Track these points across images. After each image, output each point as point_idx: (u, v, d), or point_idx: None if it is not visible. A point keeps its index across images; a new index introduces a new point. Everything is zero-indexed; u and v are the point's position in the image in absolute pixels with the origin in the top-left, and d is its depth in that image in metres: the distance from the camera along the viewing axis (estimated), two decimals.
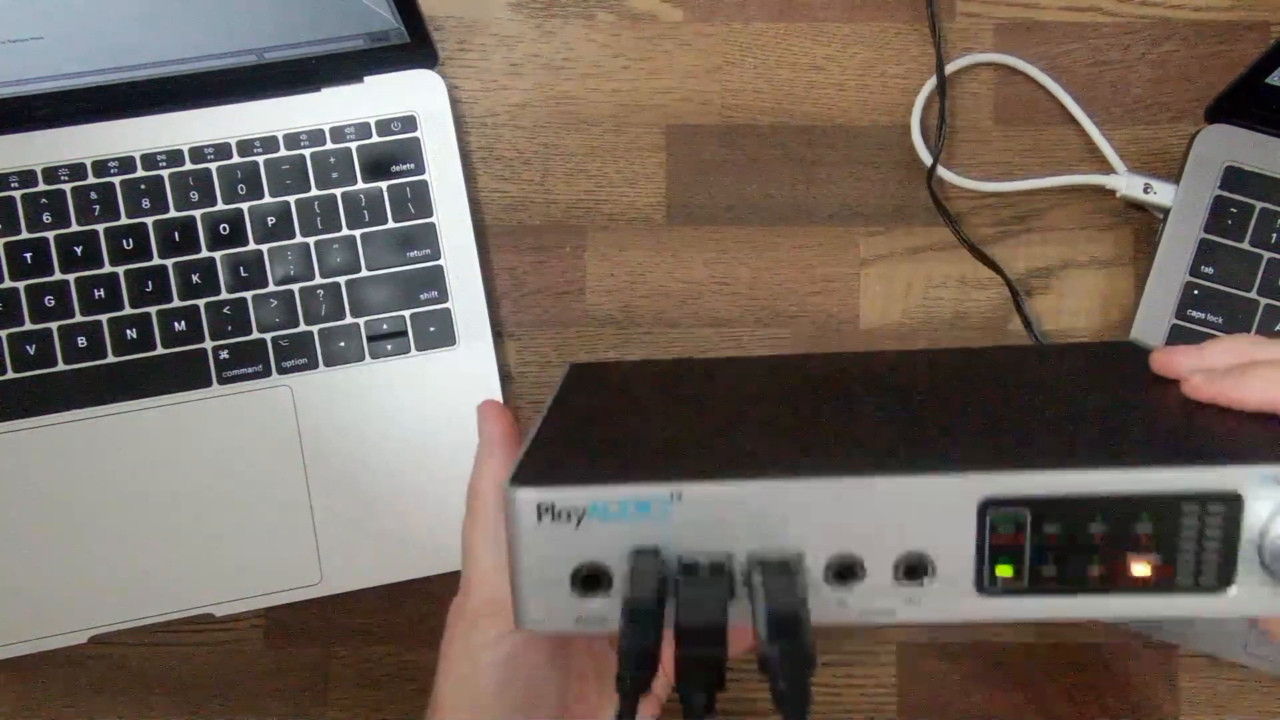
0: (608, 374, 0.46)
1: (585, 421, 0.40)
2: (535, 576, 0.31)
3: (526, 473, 0.32)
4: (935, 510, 0.30)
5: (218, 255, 0.54)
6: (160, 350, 0.54)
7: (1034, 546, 0.30)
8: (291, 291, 0.54)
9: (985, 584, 0.31)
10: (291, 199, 0.55)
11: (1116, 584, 0.30)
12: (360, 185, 0.55)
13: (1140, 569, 0.30)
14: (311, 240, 0.55)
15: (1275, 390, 0.32)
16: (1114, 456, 0.31)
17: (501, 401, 0.38)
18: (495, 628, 0.37)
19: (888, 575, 0.31)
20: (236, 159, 0.55)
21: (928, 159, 0.57)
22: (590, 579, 0.31)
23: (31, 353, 0.53)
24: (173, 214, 0.54)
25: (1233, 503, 0.30)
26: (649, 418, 0.40)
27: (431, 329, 0.55)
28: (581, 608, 0.31)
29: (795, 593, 0.29)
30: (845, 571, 0.31)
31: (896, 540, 0.31)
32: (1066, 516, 0.30)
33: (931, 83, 0.57)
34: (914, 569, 0.31)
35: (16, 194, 0.54)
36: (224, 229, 0.54)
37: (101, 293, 0.54)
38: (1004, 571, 0.31)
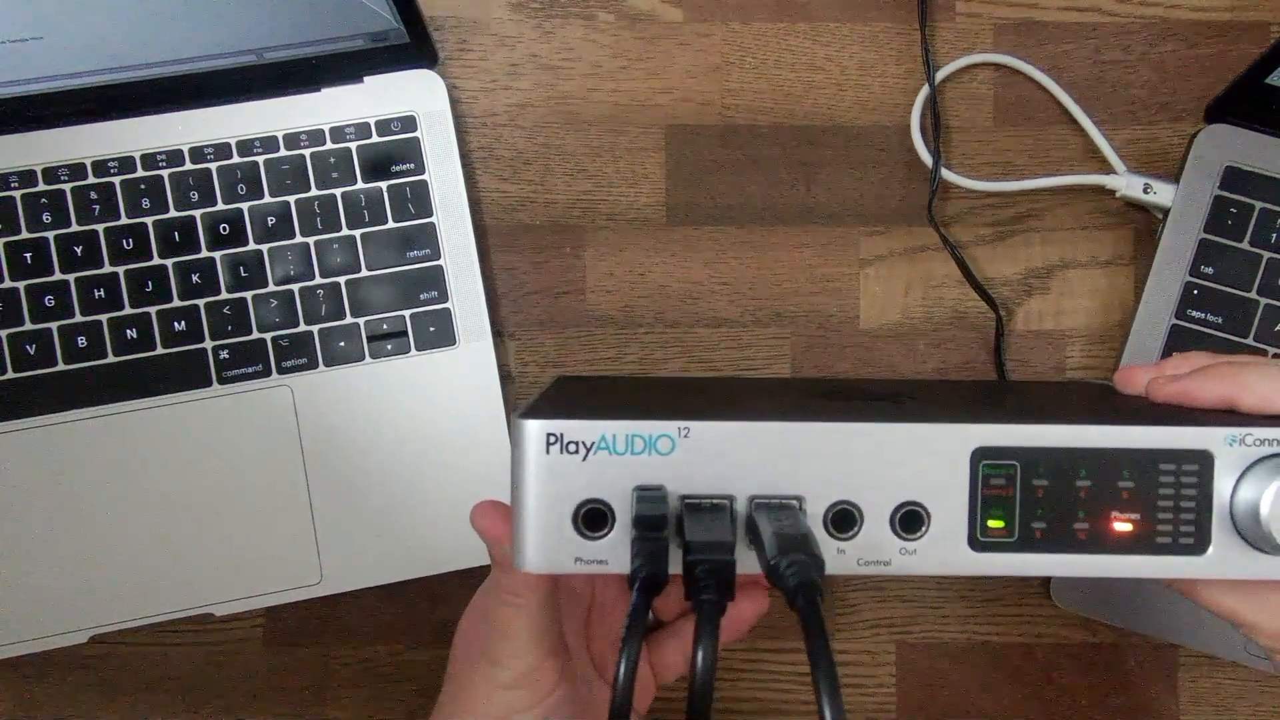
0: (597, 383, 0.46)
1: (585, 392, 0.41)
2: (538, 512, 0.32)
3: (535, 411, 0.33)
4: (930, 459, 0.32)
5: (218, 255, 0.54)
6: (160, 350, 0.54)
7: (1023, 499, 0.32)
8: (291, 291, 0.54)
9: (978, 536, 0.32)
10: (291, 199, 0.55)
11: (1101, 541, 0.32)
12: (360, 185, 0.55)
13: (1122, 525, 0.32)
14: (311, 240, 0.55)
15: (1231, 388, 0.35)
16: (1097, 418, 0.33)
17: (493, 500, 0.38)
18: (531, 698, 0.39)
19: (884, 525, 0.32)
20: (236, 159, 0.55)
21: (928, 159, 0.57)
22: (593, 515, 0.32)
23: (31, 353, 0.53)
24: (173, 214, 0.54)
25: (1204, 461, 0.32)
26: (650, 390, 0.42)
27: (431, 329, 0.55)
28: (582, 547, 0.32)
29: (800, 524, 0.31)
30: (843, 519, 0.32)
31: (893, 489, 0.32)
32: (1053, 469, 0.32)
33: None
34: (910, 520, 0.32)
35: (16, 194, 0.54)
36: (224, 229, 0.54)
37: (101, 293, 0.54)
38: (995, 523, 0.32)
